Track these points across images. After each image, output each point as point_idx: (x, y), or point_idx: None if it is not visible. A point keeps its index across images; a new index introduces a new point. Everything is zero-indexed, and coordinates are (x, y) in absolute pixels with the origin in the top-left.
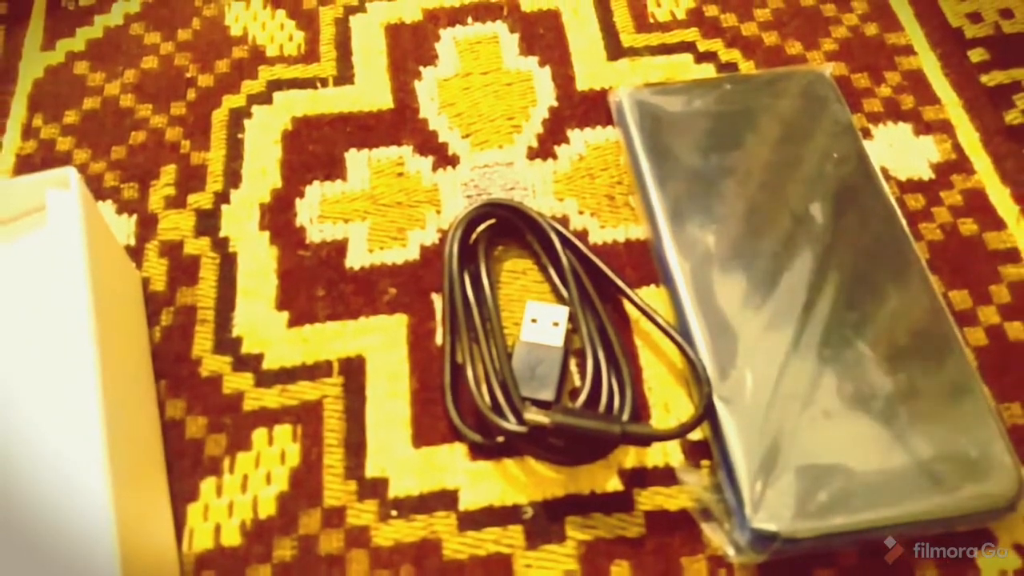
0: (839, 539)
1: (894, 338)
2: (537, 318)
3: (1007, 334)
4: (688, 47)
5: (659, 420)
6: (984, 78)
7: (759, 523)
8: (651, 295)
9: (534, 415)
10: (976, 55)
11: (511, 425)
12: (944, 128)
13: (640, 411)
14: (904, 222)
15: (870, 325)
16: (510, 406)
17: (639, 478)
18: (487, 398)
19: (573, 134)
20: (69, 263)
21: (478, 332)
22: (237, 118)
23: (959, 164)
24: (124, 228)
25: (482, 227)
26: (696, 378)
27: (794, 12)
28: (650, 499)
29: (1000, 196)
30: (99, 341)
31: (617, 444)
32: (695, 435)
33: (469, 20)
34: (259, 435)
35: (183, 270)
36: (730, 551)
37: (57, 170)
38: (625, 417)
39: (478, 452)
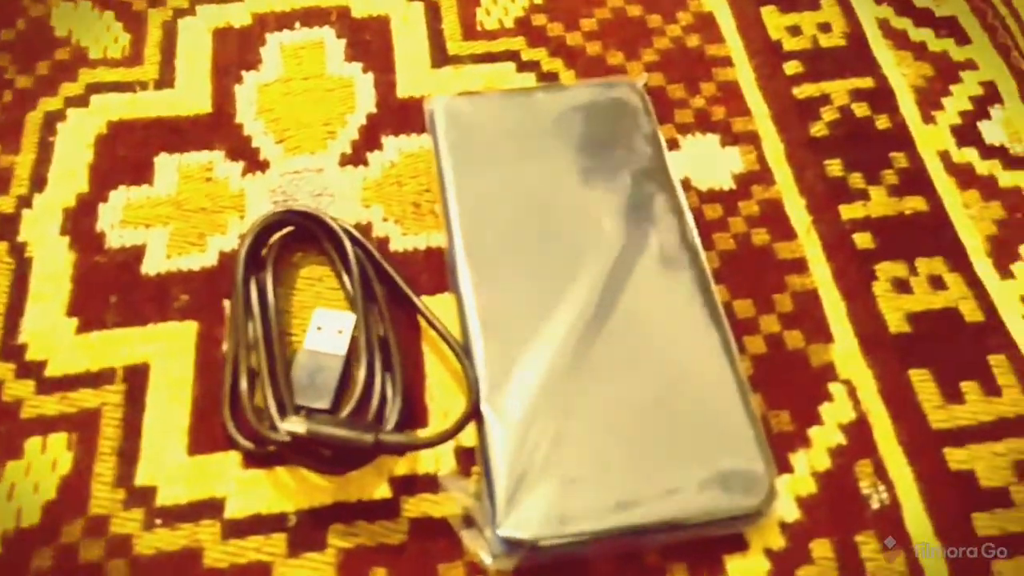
0: (591, 546)
1: (667, 350)
2: (323, 326)
3: (785, 343)
4: (512, 56)
5: (437, 428)
6: (795, 90)
7: (506, 530)
8: (444, 303)
9: (290, 424)
10: (791, 68)
11: (275, 434)
12: (751, 139)
13: (416, 419)
14: (695, 233)
15: (645, 338)
16: (282, 416)
17: (408, 485)
18: (260, 406)
19: (387, 141)
20: None
21: (259, 340)
22: (51, 121)
23: (760, 175)
24: None
25: (279, 234)
26: (467, 385)
27: (620, 22)
28: (416, 506)
29: (795, 206)
30: None
31: (375, 453)
32: (470, 442)
33: (297, 25)
34: (32, 444)
35: None
36: (486, 559)
37: None
38: (390, 426)
39: (252, 460)
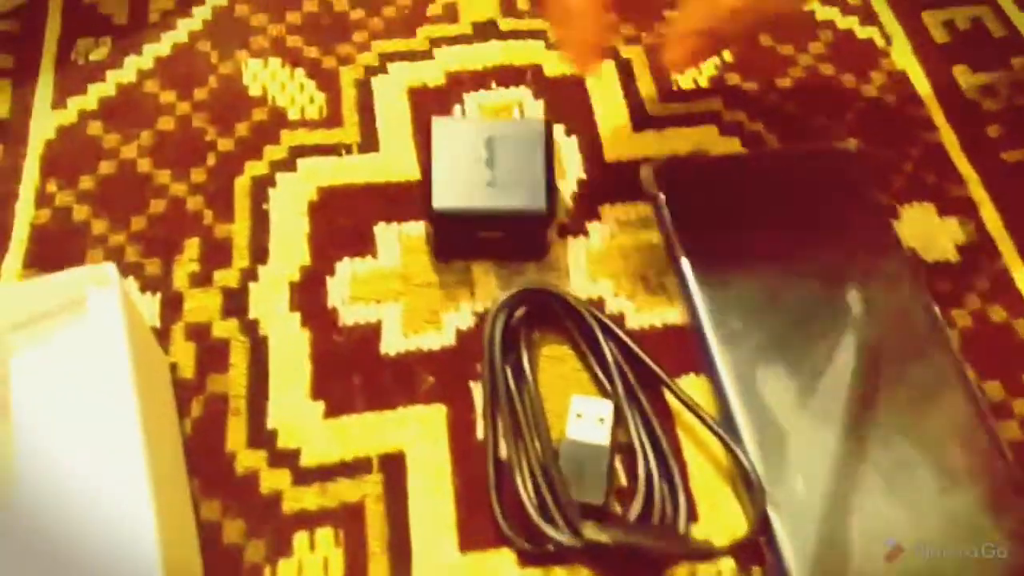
0: None
1: (936, 436)
2: (582, 413)
3: None
4: (712, 117)
5: (706, 521)
6: (1004, 155)
7: None
8: (691, 385)
9: (593, 533)
10: (994, 130)
11: (565, 538)
12: (966, 208)
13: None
14: (938, 311)
15: (910, 421)
16: (560, 511)
17: None
18: (536, 501)
19: (603, 210)
20: (113, 365)
21: (521, 427)
22: (261, 187)
23: (983, 245)
24: (148, 308)
25: (518, 313)
26: (747, 484)
27: (814, 81)
28: None
29: None
30: (147, 452)
31: (678, 561)
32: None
33: (493, 84)
34: (300, 539)
35: (212, 355)
36: None
37: (97, 266)
38: (681, 525)
39: (527, 559)
